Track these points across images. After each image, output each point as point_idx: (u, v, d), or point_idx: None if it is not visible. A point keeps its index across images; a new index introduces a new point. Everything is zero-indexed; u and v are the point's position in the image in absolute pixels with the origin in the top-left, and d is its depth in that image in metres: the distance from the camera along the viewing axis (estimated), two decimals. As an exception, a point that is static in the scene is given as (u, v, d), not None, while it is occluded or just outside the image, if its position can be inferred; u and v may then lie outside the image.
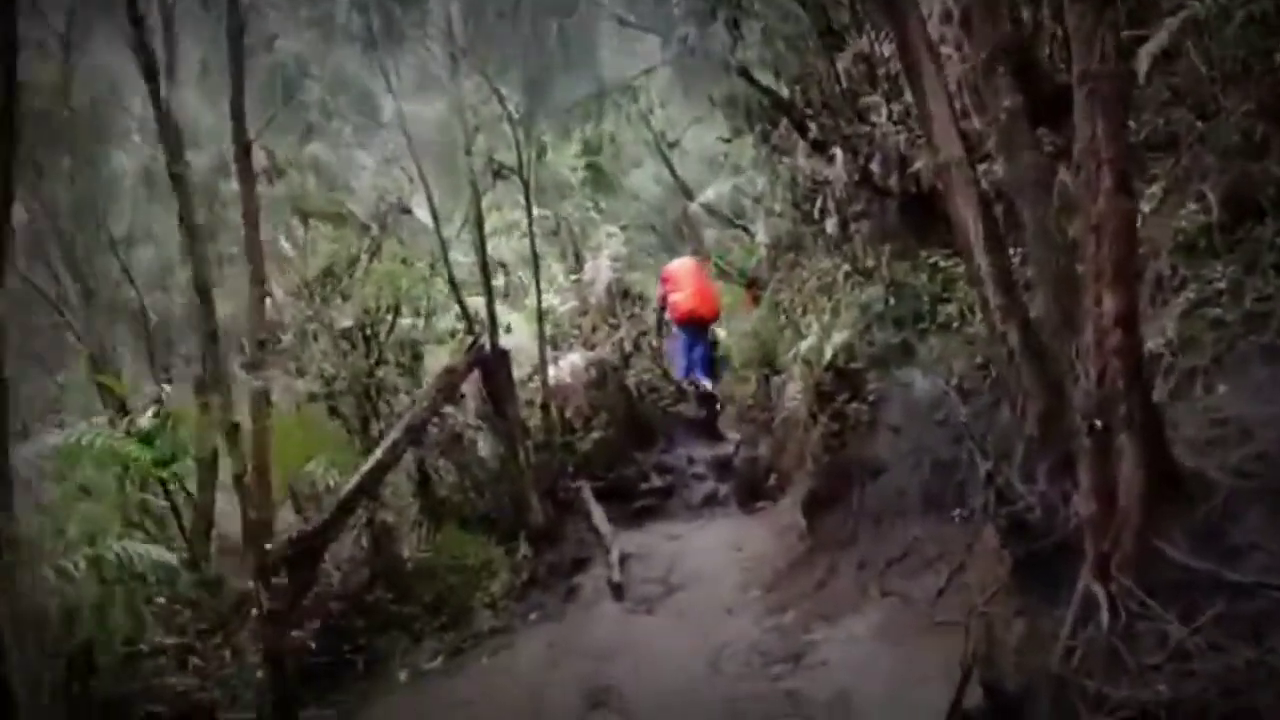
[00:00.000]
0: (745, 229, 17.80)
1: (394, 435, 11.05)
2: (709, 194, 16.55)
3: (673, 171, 17.00)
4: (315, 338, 11.75)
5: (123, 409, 11.77)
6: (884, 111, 10.06)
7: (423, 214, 13.62)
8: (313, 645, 10.39)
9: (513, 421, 11.96)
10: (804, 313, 11.16)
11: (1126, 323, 5.18)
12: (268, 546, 9.98)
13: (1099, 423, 5.21)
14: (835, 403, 9.93)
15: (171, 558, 9.45)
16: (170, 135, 9.92)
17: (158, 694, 9.38)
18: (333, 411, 12.60)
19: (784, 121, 13.37)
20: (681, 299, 15.13)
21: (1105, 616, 4.95)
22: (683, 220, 18.40)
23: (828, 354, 9.84)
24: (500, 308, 15.08)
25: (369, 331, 11.95)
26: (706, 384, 15.08)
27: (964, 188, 6.51)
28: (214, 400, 9.60)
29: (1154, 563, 5.05)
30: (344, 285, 11.94)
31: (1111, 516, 5.13)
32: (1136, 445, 5.17)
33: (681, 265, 15.74)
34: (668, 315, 15.43)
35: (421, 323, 12.95)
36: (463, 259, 13.97)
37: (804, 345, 10.05)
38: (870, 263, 10.48)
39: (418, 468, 13.22)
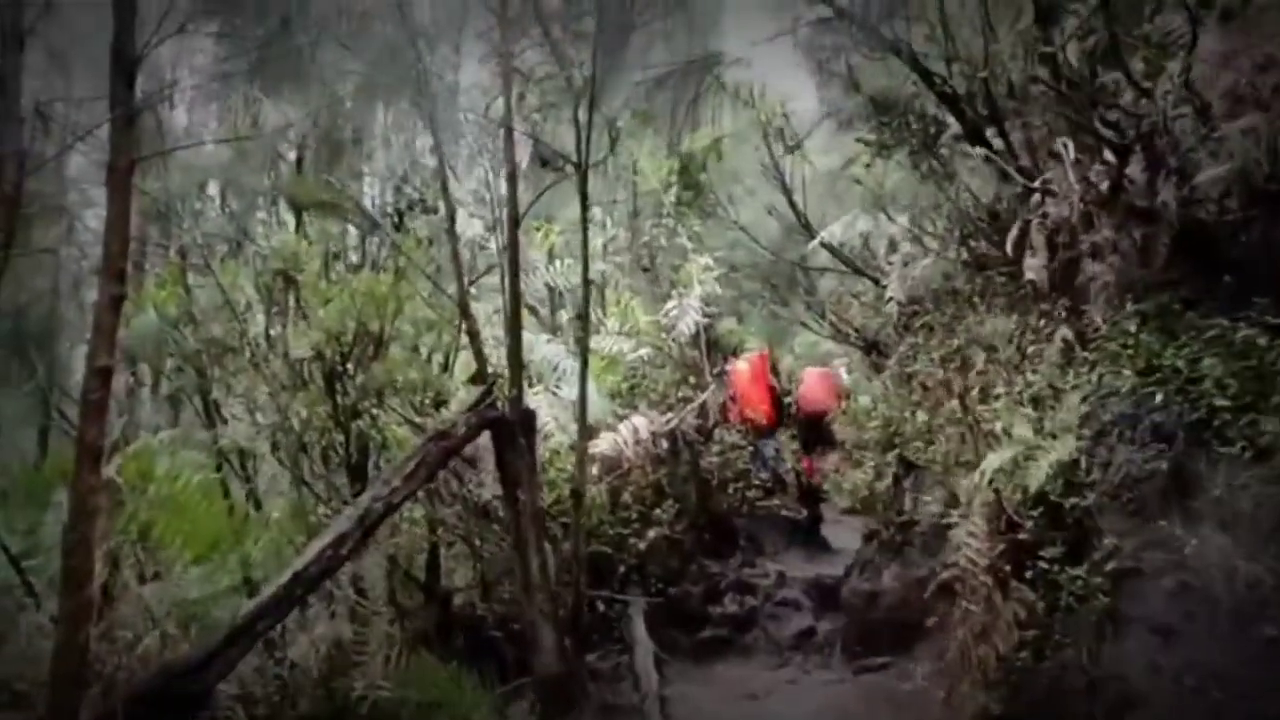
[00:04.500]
0: (874, 279, 13.17)
1: (337, 528, 6.70)
2: (834, 230, 11.97)
3: (790, 200, 12.56)
4: (257, 366, 7.50)
5: None
6: (1163, 86, 5.43)
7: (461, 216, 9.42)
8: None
9: (526, 514, 7.48)
10: (978, 401, 6.52)
11: None
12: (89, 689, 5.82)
13: None
14: (1040, 561, 5.31)
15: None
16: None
17: None
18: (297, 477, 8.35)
19: (950, 130, 8.86)
20: (735, 406, 11.08)
21: None
22: (798, 264, 13.86)
23: (1038, 478, 5.20)
24: (554, 348, 10.73)
25: (340, 366, 7.64)
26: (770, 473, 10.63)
27: None
28: None
29: None
30: (309, 299, 7.68)
31: None
32: None
33: (740, 368, 11.39)
34: None
35: (429, 357, 8.65)
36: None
37: (995, 459, 5.40)
38: (1101, 325, 5.87)
39: (429, 555, 8.96)
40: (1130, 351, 5.53)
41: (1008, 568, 5.31)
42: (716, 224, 13.01)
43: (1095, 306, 5.80)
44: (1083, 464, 5.36)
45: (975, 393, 6.42)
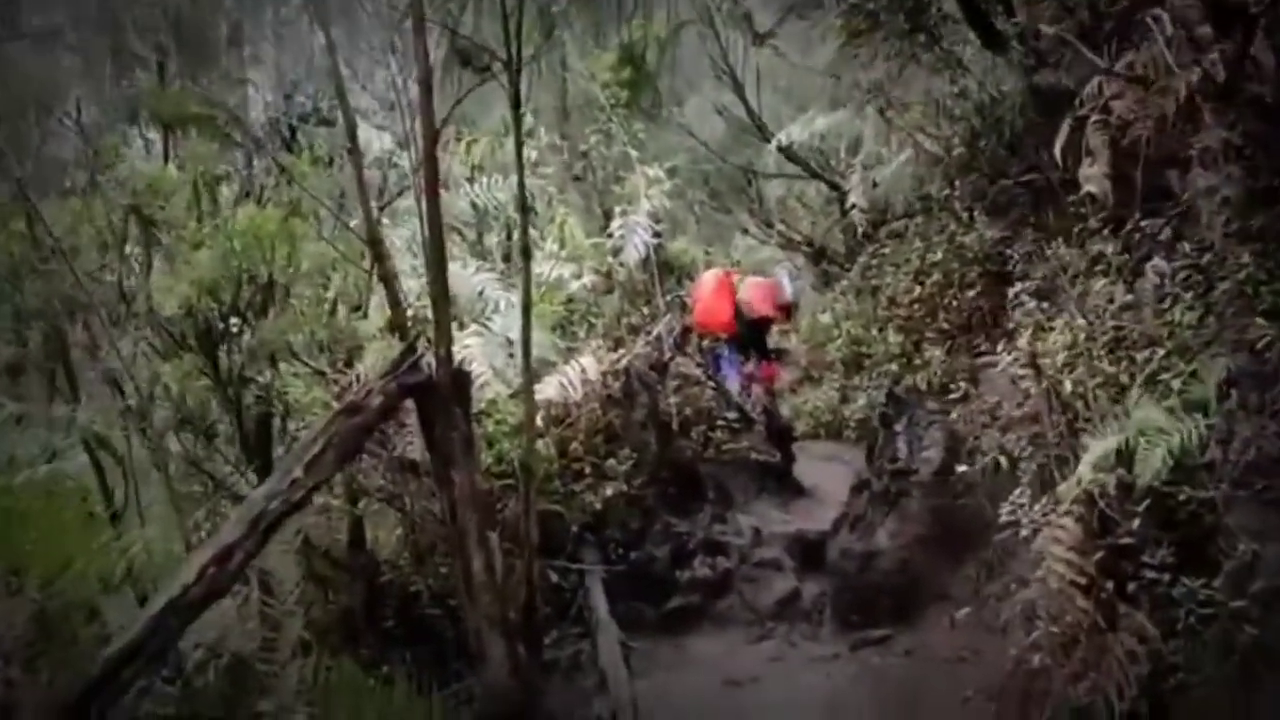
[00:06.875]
0: (832, 184, 11.65)
1: (222, 538, 5.08)
2: (791, 131, 10.35)
3: (743, 98, 10.85)
4: (111, 326, 5.77)
5: None
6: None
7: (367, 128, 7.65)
8: None
9: (464, 499, 5.90)
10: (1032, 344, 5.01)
11: None
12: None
13: None
14: (1147, 570, 3.92)
15: None
16: None
17: None
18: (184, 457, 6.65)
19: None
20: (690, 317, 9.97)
21: None
22: (746, 169, 12.22)
23: (1154, 467, 3.77)
24: (483, 277, 9.05)
25: (221, 324, 5.93)
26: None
27: None
28: None
29: None
30: (175, 241, 5.92)
31: None
32: None
33: (705, 278, 10.19)
34: None
35: (334, 304, 6.95)
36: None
37: (1101, 447, 3.92)
38: (1204, 255, 4.41)
39: (351, 528, 7.46)
40: (1252, 288, 4.10)
41: (1110, 584, 3.91)
42: (657, 127, 11.30)
43: (1209, 229, 4.31)
44: (1195, 439, 3.94)
45: (1028, 335, 4.89)
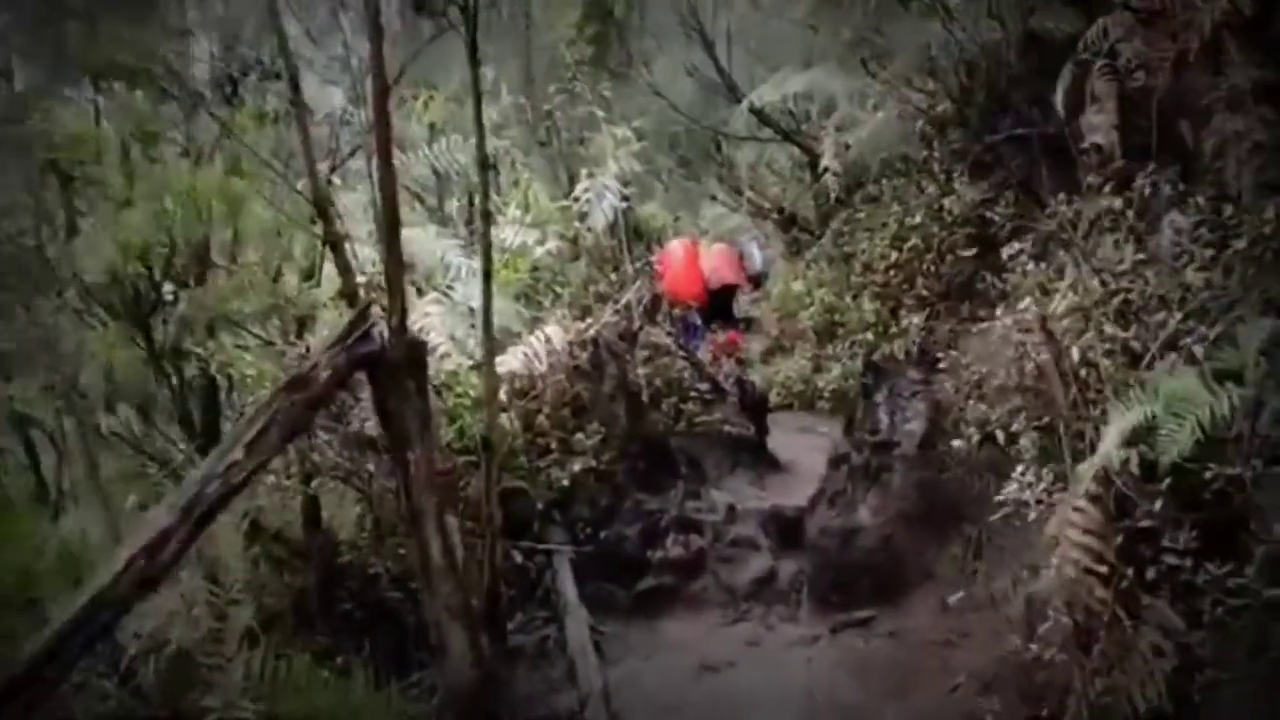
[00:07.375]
0: (805, 147, 11.22)
1: (153, 525, 4.58)
2: (763, 92, 9.84)
3: (713, 57, 10.34)
4: (35, 292, 5.24)
5: None
6: None
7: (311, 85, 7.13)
8: None
9: (420, 480, 5.43)
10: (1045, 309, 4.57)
11: None
12: None
13: None
14: (1171, 556, 3.54)
15: None
16: None
17: None
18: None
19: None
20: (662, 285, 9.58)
21: None
22: (717, 131, 11.75)
23: (1183, 443, 3.38)
24: (444, 243, 8.55)
25: (153, 292, 5.41)
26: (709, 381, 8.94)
27: None
28: None
29: None
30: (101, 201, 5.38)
31: None
32: None
33: (673, 248, 9.97)
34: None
35: (277, 270, 6.43)
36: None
37: (1126, 421, 3.52)
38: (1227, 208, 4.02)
39: (306, 508, 7.05)
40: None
41: (1130, 571, 3.52)
42: (625, 87, 10.78)
43: (1237, 179, 3.90)
44: (1228, 411, 3.54)
45: (1030, 299, 4.48)
